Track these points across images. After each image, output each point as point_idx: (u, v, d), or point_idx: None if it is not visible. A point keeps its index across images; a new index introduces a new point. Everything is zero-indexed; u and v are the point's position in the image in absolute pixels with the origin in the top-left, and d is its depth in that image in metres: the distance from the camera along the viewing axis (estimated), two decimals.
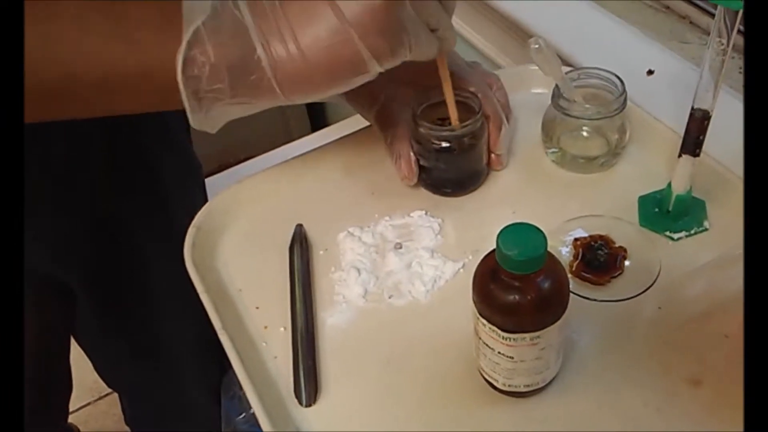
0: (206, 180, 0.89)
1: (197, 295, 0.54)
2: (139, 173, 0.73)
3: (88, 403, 1.47)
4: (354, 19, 0.42)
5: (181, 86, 0.43)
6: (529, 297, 0.41)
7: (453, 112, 0.58)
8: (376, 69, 0.45)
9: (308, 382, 0.49)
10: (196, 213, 0.61)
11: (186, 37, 0.42)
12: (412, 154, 0.59)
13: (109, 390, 1.44)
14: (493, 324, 0.42)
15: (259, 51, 0.42)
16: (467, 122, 0.57)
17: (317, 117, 1.71)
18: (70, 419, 1.13)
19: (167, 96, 0.43)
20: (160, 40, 0.42)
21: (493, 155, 0.62)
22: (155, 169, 0.75)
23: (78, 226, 0.70)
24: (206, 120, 0.46)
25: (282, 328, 0.53)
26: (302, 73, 0.44)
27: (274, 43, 0.43)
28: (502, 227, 0.41)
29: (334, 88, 0.46)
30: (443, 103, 0.58)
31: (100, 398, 1.47)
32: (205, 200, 0.67)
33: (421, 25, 0.46)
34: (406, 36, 0.45)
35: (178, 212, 0.70)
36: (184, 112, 0.45)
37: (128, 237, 0.74)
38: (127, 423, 1.02)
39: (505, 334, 0.42)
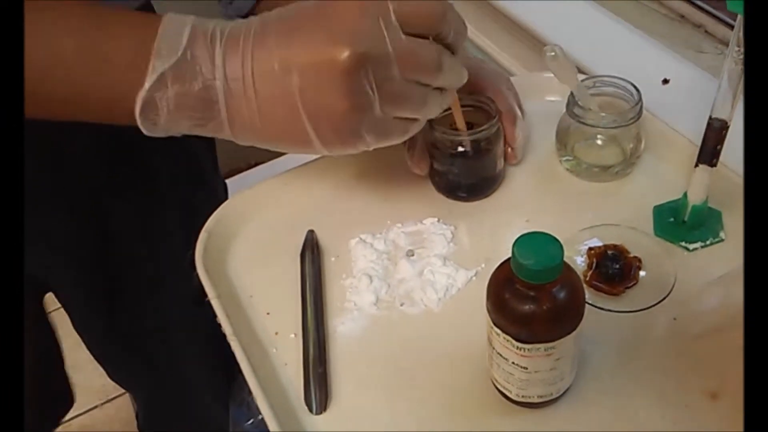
0: None
1: (206, 301, 0.54)
2: (141, 178, 0.73)
3: (95, 407, 1.47)
4: (312, 114, 0.45)
5: (138, 122, 0.45)
6: (544, 307, 0.40)
7: (459, 119, 0.57)
8: (325, 153, 0.48)
9: (319, 389, 0.49)
10: (203, 213, 0.61)
11: (148, 83, 0.43)
12: (424, 146, 0.59)
13: (117, 393, 1.45)
14: (508, 334, 0.42)
15: (221, 105, 0.44)
16: (483, 126, 0.57)
17: None
18: (78, 423, 1.13)
19: (127, 119, 0.45)
20: (127, 77, 0.44)
21: (508, 149, 0.61)
22: (162, 174, 0.74)
23: (83, 232, 0.70)
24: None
25: (293, 335, 0.53)
26: (257, 134, 0.47)
27: (238, 100, 0.44)
28: (515, 236, 0.40)
29: (286, 151, 0.48)
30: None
31: (108, 401, 1.47)
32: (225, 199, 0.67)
33: (391, 122, 0.47)
34: (362, 142, 0.47)
35: (194, 217, 0.69)
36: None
37: (135, 241, 0.74)
38: (140, 428, 1.02)
39: (520, 344, 0.42)
